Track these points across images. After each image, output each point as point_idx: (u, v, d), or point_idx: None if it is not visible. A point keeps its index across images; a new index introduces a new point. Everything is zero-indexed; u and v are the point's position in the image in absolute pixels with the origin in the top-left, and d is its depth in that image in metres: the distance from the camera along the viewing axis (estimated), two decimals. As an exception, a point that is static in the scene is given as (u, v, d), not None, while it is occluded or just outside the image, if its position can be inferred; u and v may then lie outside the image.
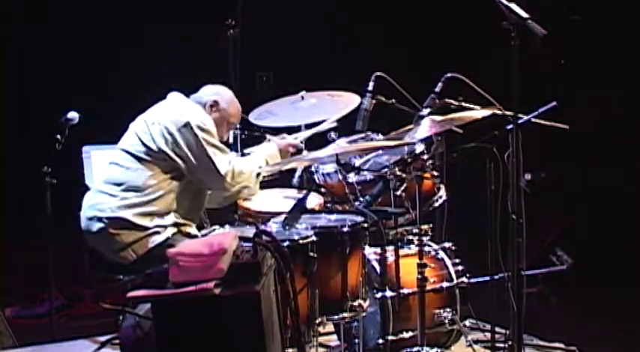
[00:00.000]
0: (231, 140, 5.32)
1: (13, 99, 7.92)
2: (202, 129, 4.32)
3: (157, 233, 4.24)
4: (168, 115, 4.37)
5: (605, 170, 7.27)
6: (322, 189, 4.77)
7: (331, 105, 4.94)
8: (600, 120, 7.29)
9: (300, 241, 3.94)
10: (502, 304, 4.51)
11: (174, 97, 4.50)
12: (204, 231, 4.29)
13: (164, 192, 4.29)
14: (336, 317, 4.12)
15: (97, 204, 4.32)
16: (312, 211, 4.41)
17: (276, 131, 5.38)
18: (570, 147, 6.86)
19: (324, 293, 4.02)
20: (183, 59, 7.56)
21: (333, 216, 4.34)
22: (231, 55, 5.67)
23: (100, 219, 4.29)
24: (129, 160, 4.33)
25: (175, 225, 4.28)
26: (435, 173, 4.74)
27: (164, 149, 4.29)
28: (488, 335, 4.72)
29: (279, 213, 4.29)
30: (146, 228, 4.24)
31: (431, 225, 4.72)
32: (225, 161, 4.35)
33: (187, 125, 4.31)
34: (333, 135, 4.79)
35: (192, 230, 4.34)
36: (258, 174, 4.48)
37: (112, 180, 4.34)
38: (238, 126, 5.30)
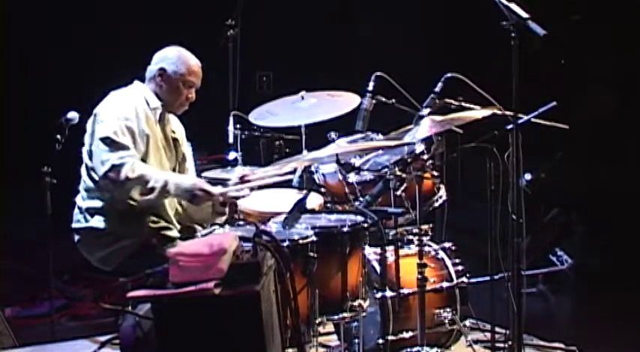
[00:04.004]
0: (231, 140, 5.33)
1: (13, 99, 7.92)
2: (106, 119, 4.10)
3: (132, 239, 4.18)
4: (94, 112, 4.24)
5: (605, 170, 7.27)
6: (322, 189, 4.77)
7: (331, 105, 4.94)
8: (600, 120, 7.30)
9: (300, 241, 3.94)
10: (502, 304, 4.52)
11: (120, 89, 4.37)
12: (204, 231, 4.28)
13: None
14: (336, 317, 4.12)
15: (74, 215, 4.32)
16: (312, 211, 4.41)
17: (277, 131, 5.40)
18: (570, 147, 6.86)
19: (324, 293, 4.02)
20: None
21: (333, 216, 4.33)
22: (231, 55, 5.67)
23: (76, 231, 4.29)
24: (84, 167, 4.28)
25: (153, 229, 4.23)
26: (435, 173, 4.74)
27: (89, 150, 4.19)
28: (488, 335, 4.73)
29: (279, 213, 4.28)
30: (120, 235, 4.18)
31: (431, 225, 4.72)
32: (113, 158, 4.05)
33: (96, 115, 4.16)
34: (333, 135, 4.79)
35: (172, 233, 4.29)
36: (153, 190, 4.09)
37: (81, 190, 4.31)
38: (238, 126, 5.31)
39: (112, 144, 4.08)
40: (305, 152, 4.80)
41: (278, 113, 4.98)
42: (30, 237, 6.48)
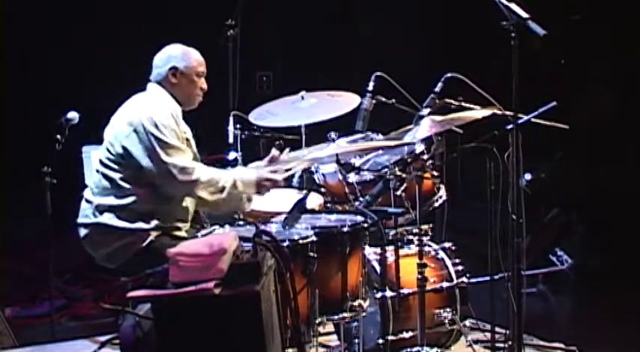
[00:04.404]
0: (231, 140, 5.33)
1: (13, 99, 7.92)
2: (155, 127, 4.16)
3: (140, 237, 4.19)
4: (125, 116, 4.26)
5: (605, 170, 7.28)
6: (322, 189, 4.77)
7: (331, 105, 4.94)
8: (600, 120, 7.30)
9: (300, 241, 3.94)
10: (502, 304, 4.52)
11: (141, 94, 4.39)
12: (204, 231, 4.28)
13: (138, 195, 4.21)
14: (336, 317, 4.12)
15: (82, 210, 4.33)
16: (312, 211, 4.41)
17: (277, 131, 5.40)
18: (570, 147, 6.86)
19: (324, 293, 4.02)
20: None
21: (333, 216, 4.33)
22: (231, 55, 5.67)
23: (84, 225, 4.30)
24: (102, 166, 4.30)
25: (159, 228, 4.24)
26: (435, 173, 4.74)
27: (121, 152, 4.21)
28: (488, 335, 4.73)
29: (279, 213, 4.28)
30: (128, 232, 4.19)
31: (431, 225, 4.72)
32: (175, 161, 4.16)
33: (140, 124, 4.18)
34: (333, 135, 4.79)
35: (181, 233, 4.30)
36: (223, 189, 4.21)
37: (92, 186, 4.33)
38: (238, 126, 5.32)
39: (171, 148, 4.17)
40: (305, 152, 4.80)
41: (278, 113, 4.99)
42: (30, 237, 6.48)
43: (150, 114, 4.21)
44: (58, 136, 5.15)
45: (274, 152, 4.49)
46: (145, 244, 4.19)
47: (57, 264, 5.37)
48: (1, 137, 7.83)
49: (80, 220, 4.33)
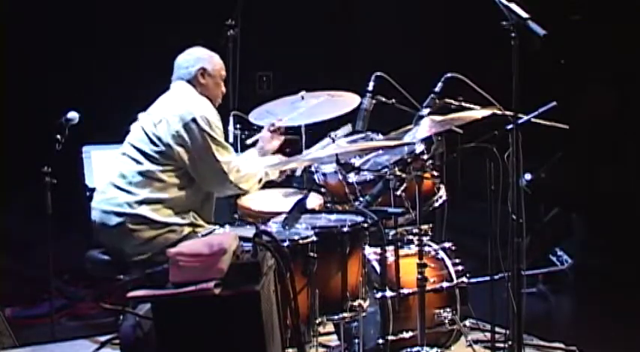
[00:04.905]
0: (231, 140, 5.34)
1: (13, 99, 7.91)
2: (209, 125, 4.32)
3: (174, 231, 4.28)
4: (174, 111, 4.35)
5: (605, 170, 7.27)
6: (322, 189, 4.77)
7: (331, 105, 4.94)
8: (600, 120, 7.29)
9: (300, 241, 3.94)
10: (502, 304, 4.52)
11: (179, 89, 4.48)
12: (204, 231, 4.29)
13: (178, 189, 4.32)
14: (336, 317, 4.12)
15: (114, 198, 4.35)
16: (312, 211, 4.41)
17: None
18: (570, 147, 6.86)
19: (324, 293, 4.02)
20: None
21: (333, 216, 4.33)
22: (231, 55, 5.67)
23: (118, 214, 4.31)
24: (140, 156, 4.34)
25: (192, 224, 4.32)
26: (435, 173, 4.74)
27: (172, 146, 4.29)
28: (488, 335, 4.73)
29: (279, 213, 4.28)
30: (164, 225, 4.28)
31: (431, 225, 4.72)
32: (228, 160, 4.35)
33: (194, 121, 4.30)
34: (333, 135, 4.79)
35: (204, 232, 4.34)
36: (260, 180, 4.50)
37: (127, 175, 4.36)
38: (238, 126, 5.33)
39: (223, 148, 4.37)
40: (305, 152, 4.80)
41: (278, 113, 4.99)
42: (30, 237, 6.48)
43: (203, 113, 4.33)
44: (58, 136, 5.15)
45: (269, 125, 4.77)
46: (178, 239, 4.24)
47: (57, 264, 5.37)
48: (1, 137, 7.83)
49: (112, 208, 4.34)
